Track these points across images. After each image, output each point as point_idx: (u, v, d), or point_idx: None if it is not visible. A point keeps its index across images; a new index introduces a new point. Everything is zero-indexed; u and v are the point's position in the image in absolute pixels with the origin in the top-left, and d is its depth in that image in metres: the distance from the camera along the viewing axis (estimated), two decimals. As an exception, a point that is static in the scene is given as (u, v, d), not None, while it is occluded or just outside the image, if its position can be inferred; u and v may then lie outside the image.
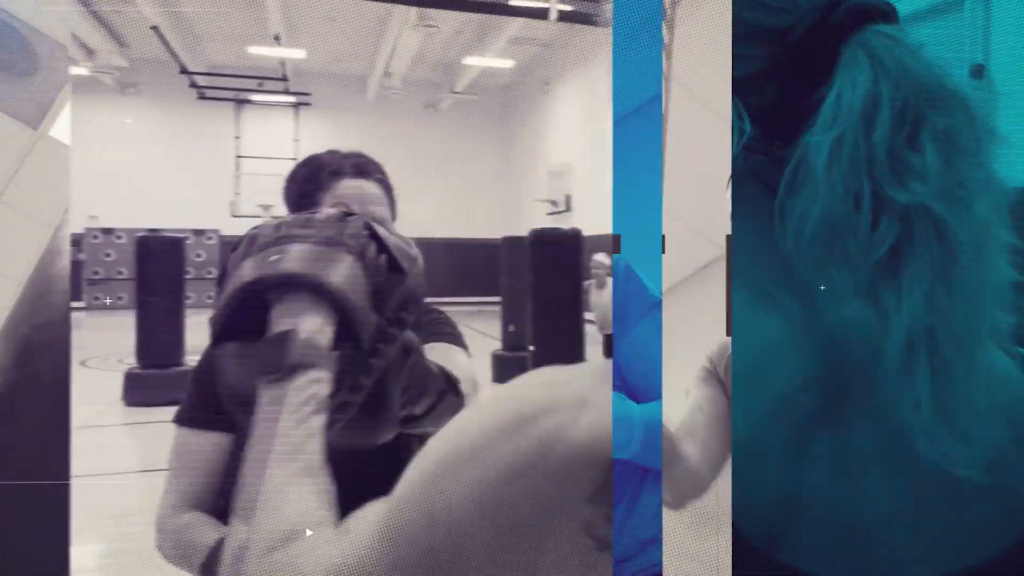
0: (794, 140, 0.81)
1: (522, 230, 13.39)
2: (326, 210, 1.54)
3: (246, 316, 1.43)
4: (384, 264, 1.52)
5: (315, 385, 1.31)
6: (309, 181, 2.35)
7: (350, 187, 2.34)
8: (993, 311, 0.79)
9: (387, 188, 2.44)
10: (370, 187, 2.38)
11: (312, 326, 1.36)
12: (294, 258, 1.43)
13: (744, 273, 0.83)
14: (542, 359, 10.81)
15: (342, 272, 1.45)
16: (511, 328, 14.24)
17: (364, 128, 28.84)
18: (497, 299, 16.01)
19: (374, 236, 1.53)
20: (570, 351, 10.83)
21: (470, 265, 32.35)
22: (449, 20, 25.13)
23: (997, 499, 0.80)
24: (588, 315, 11.41)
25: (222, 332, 1.46)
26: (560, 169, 29.37)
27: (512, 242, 14.65)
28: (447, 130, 34.35)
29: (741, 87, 0.82)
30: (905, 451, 0.77)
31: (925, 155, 0.77)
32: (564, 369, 0.86)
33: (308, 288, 1.40)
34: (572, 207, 28.38)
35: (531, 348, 11.11)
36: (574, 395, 0.80)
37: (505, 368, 14.16)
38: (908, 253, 0.76)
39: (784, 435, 0.77)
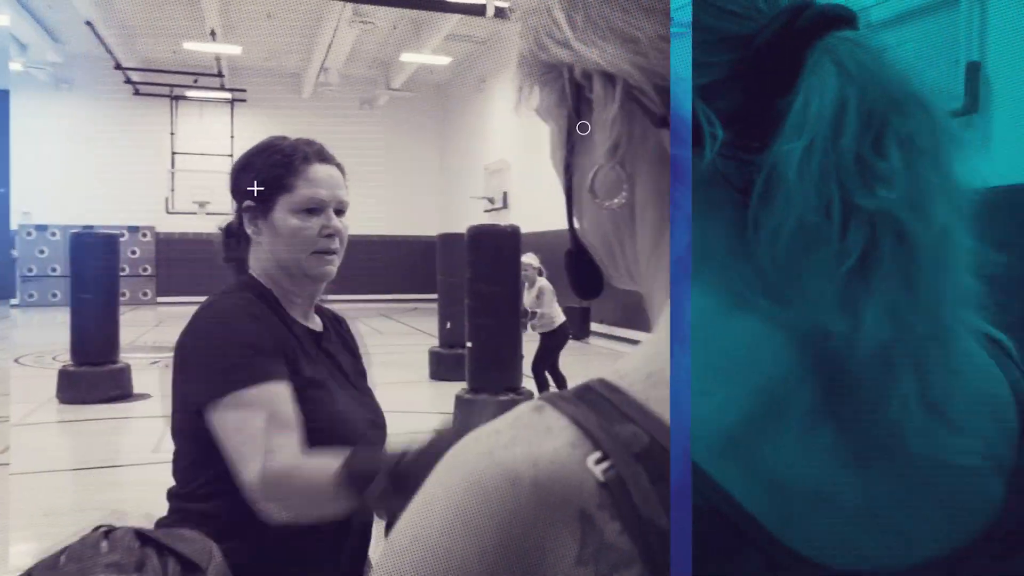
0: (763, 146, 0.81)
1: (459, 227, 13.35)
2: (86, 535, 1.38)
3: None
4: (176, 568, 1.38)
5: None
6: (282, 165, 2.38)
7: (322, 171, 2.41)
8: (959, 314, 0.80)
9: (343, 171, 2.51)
10: (336, 172, 2.46)
11: None
12: None
13: (712, 279, 0.84)
14: (479, 355, 10.80)
15: None
16: (448, 325, 14.22)
17: (300, 125, 28.77)
18: (433, 296, 16.01)
19: (149, 542, 1.39)
20: (507, 348, 10.81)
21: (407, 262, 32.29)
22: (385, 16, 25.04)
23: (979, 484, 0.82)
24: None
25: None
26: (497, 166, 29.31)
27: (449, 239, 14.58)
28: (384, 127, 34.20)
29: (707, 93, 0.82)
30: (896, 442, 0.78)
31: (890, 160, 0.77)
32: (496, 432, 0.80)
33: None
34: (509, 204, 28.35)
35: (468, 344, 11.05)
36: (519, 457, 0.76)
37: (442, 364, 14.19)
38: (875, 259, 0.76)
39: (782, 426, 0.77)
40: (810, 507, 0.76)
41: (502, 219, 24.65)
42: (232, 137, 30.29)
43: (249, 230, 2.42)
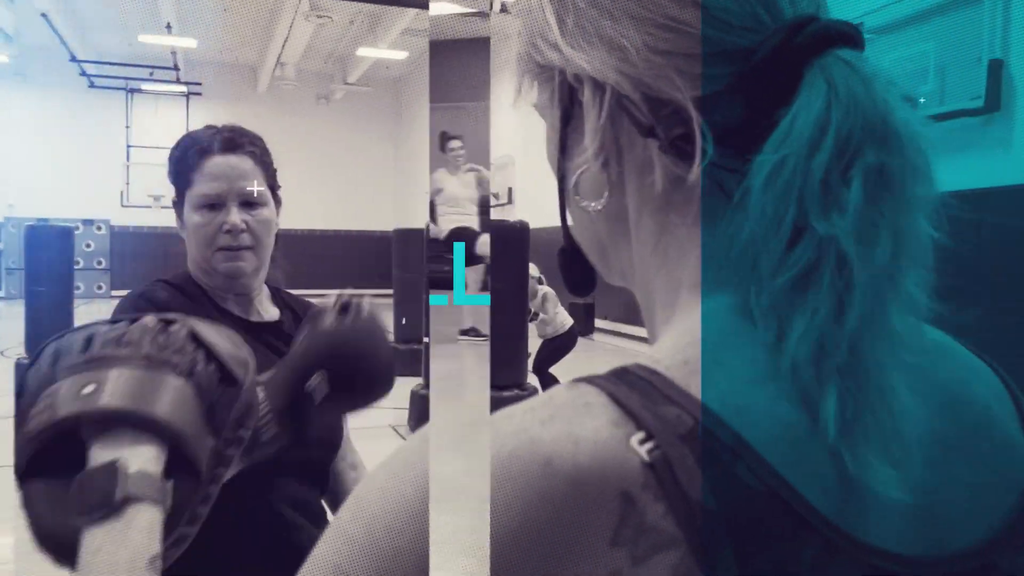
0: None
1: (414, 222, 13.31)
2: (146, 319, 1.37)
3: (60, 452, 1.23)
4: (215, 377, 1.35)
5: (149, 519, 1.17)
6: (181, 161, 2.34)
7: (218, 164, 2.31)
8: (890, 352, 0.79)
9: (262, 160, 2.40)
10: (241, 162, 2.34)
11: (141, 458, 1.20)
12: (113, 390, 1.23)
13: (717, 284, 0.85)
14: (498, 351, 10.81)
15: (170, 399, 1.25)
16: (403, 321, 14.19)
17: (255, 118, 28.46)
18: (387, 291, 15.98)
19: (201, 344, 1.37)
20: (517, 345, 10.84)
21: (361, 257, 32.15)
22: (342, 11, 24.95)
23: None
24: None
25: (29, 470, 1.25)
26: (501, 162, 29.14)
27: (404, 234, 14.53)
28: (339, 121, 34.04)
29: (704, 105, 0.83)
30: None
31: (852, 189, 0.77)
32: (532, 408, 0.79)
33: (133, 423, 1.22)
34: (513, 199, 28.25)
35: (425, 340, 11.05)
36: (558, 434, 0.74)
37: (397, 360, 14.13)
38: (814, 280, 0.77)
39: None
40: (859, 494, 0.76)
41: (504, 215, 24.46)
42: (188, 130, 29.97)
43: (176, 225, 2.39)
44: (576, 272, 1.05)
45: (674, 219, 0.90)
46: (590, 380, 0.78)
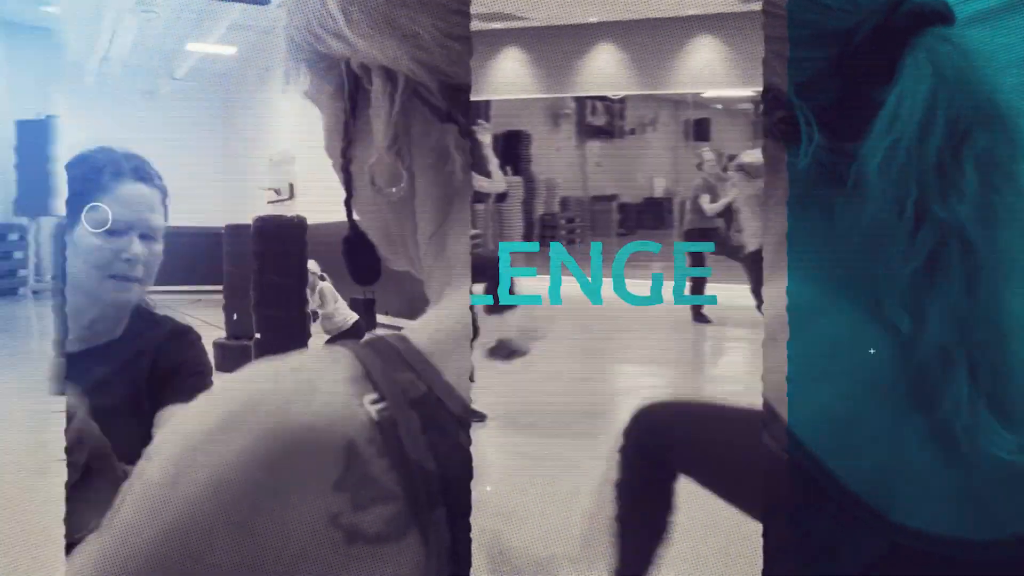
0: (860, 139, 0.81)
1: (245, 218, 13.22)
2: None
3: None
4: None
5: None
6: (86, 181, 2.27)
7: (130, 192, 2.30)
8: (1017, 322, 0.81)
9: (163, 192, 2.43)
10: (151, 194, 2.37)
11: None
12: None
13: (815, 267, 0.86)
14: (266, 347, 10.77)
15: None
16: (235, 317, 14.07)
17: (81, 115, 27.98)
18: (218, 287, 15.85)
19: None
20: (295, 339, 10.76)
21: (190, 253, 31.69)
22: (167, 5, 24.60)
23: None
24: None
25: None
26: (281, 157, 28.95)
27: (235, 230, 14.52)
28: (167, 117, 33.50)
29: (805, 90, 0.84)
30: (950, 438, 0.79)
31: (966, 173, 0.78)
32: (288, 357, 0.82)
33: None
34: (295, 195, 28.03)
35: (256, 336, 10.99)
36: (300, 382, 0.78)
37: (228, 356, 14.07)
38: (941, 263, 0.78)
39: (875, 408, 0.80)
40: (910, 484, 0.79)
41: (288, 210, 24.31)
42: (12, 126, 29.33)
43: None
44: (361, 262, 1.05)
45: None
46: (345, 344, 0.83)
